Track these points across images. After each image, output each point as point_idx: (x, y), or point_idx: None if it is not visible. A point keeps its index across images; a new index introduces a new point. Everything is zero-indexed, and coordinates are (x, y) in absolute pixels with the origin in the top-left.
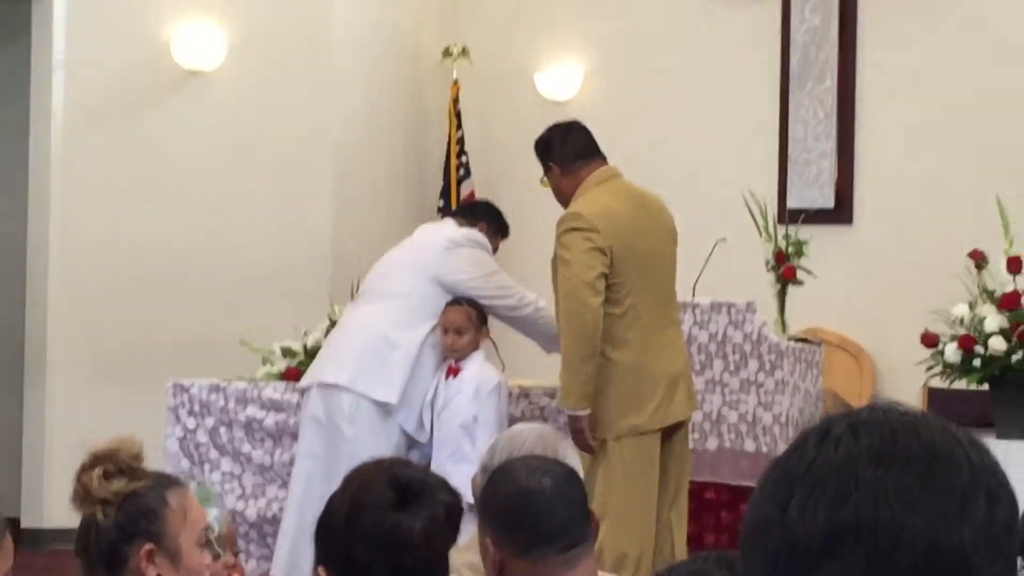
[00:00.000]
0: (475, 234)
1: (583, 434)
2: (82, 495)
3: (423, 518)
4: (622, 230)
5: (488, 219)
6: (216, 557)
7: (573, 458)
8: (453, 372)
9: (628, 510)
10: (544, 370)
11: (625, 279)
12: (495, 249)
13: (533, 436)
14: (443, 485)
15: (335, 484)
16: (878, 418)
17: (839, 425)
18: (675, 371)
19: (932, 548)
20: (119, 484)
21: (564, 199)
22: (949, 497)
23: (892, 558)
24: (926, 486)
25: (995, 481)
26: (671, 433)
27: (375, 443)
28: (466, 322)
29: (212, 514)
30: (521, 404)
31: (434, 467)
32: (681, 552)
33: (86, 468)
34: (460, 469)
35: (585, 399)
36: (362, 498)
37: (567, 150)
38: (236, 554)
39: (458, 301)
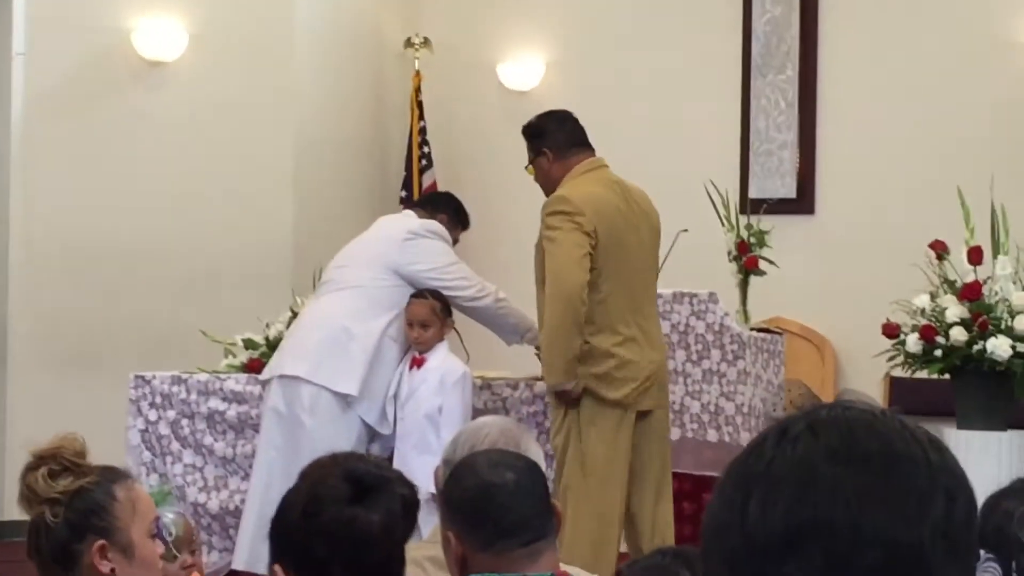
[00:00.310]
0: (434, 225)
1: (572, 396)
2: (28, 496)
3: (381, 511)
4: (606, 217)
5: (448, 210)
6: (173, 558)
7: (535, 452)
8: (417, 363)
9: (597, 492)
10: (507, 362)
11: (604, 265)
12: (455, 240)
13: (496, 430)
14: (399, 478)
15: (296, 476)
16: (836, 417)
17: (797, 424)
18: (650, 366)
19: (890, 547)
20: (65, 482)
21: (551, 185)
22: (907, 496)
23: (850, 557)
24: (884, 485)
25: (953, 480)
26: (641, 418)
27: (335, 435)
28: (430, 315)
29: (168, 516)
30: (484, 396)
31: (398, 458)
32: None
33: (30, 469)
34: (425, 460)
35: (569, 374)
36: (319, 492)
37: (561, 137)
38: (194, 552)
39: (422, 294)
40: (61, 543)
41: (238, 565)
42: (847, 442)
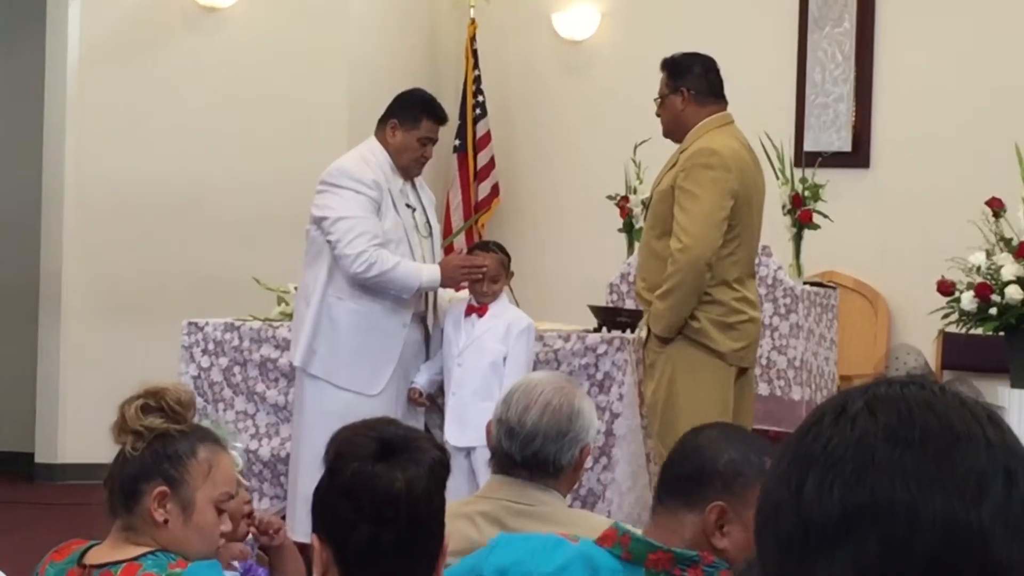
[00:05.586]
0: (335, 170)
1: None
2: (119, 424)
3: (405, 469)
4: (746, 178)
5: (398, 112)
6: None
7: (588, 408)
8: (478, 312)
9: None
10: (557, 315)
11: (735, 225)
12: (430, 140)
13: (550, 387)
14: (430, 440)
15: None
16: (895, 395)
17: (855, 402)
18: (756, 325)
19: (949, 529)
20: (153, 420)
21: (677, 128)
22: (966, 477)
23: (908, 539)
24: (943, 466)
25: (1014, 460)
26: (739, 376)
27: (318, 414)
28: (500, 268)
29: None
30: (536, 347)
31: (455, 404)
32: None
33: (131, 400)
34: (486, 407)
35: (673, 331)
36: (342, 450)
37: (705, 83)
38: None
39: (487, 247)
40: (131, 477)
41: (291, 510)
42: (906, 422)
